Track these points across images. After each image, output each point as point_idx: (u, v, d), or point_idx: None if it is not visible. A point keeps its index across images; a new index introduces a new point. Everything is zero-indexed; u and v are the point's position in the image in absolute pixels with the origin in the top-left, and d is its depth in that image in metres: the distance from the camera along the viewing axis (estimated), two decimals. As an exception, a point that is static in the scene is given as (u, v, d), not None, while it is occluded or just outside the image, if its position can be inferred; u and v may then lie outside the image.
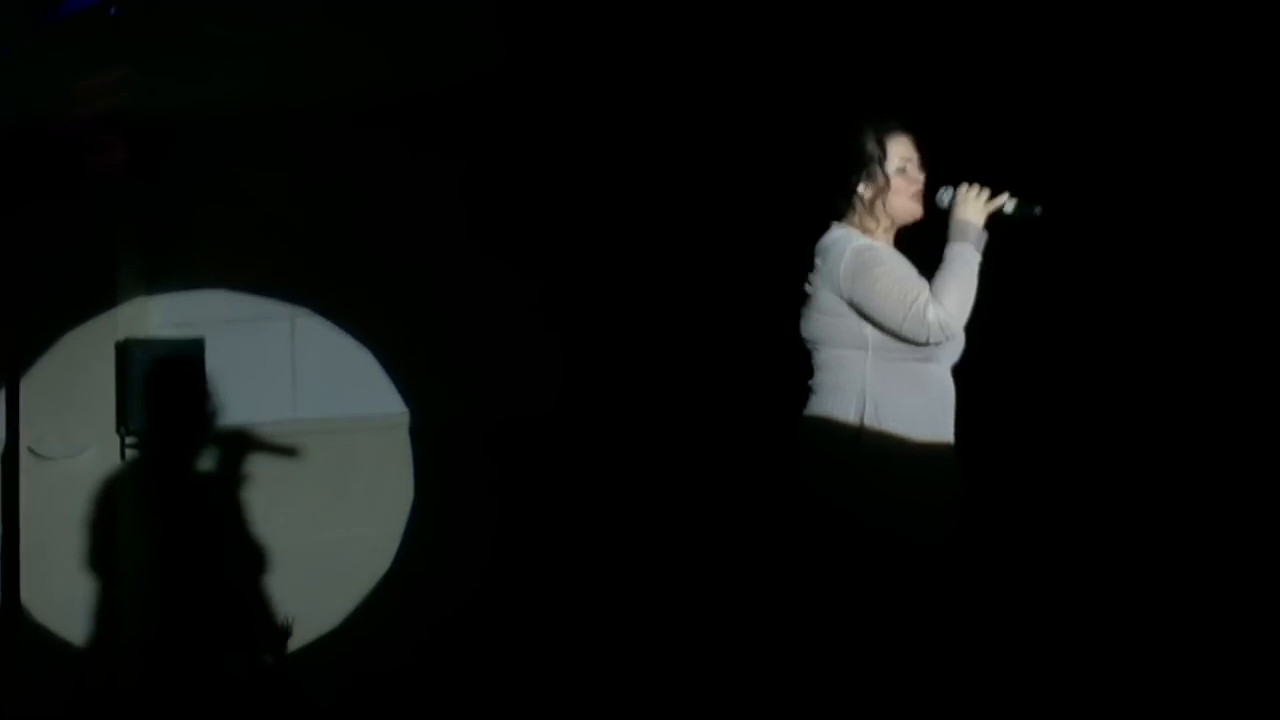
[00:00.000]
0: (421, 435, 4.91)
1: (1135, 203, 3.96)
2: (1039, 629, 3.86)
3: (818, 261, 2.82)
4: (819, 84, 4.11)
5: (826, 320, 2.80)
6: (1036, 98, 4.02)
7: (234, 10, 4.09)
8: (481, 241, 4.85)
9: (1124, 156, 3.98)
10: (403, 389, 4.97)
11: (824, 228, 2.88)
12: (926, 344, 2.74)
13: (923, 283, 2.76)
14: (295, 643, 4.72)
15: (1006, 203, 2.81)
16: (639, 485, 4.54)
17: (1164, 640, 3.75)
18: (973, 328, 2.82)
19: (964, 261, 2.76)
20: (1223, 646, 3.67)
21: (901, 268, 2.79)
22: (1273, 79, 3.74)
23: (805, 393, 2.83)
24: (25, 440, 5.08)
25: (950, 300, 2.73)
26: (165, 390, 4.92)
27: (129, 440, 4.99)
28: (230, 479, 5.07)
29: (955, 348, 2.85)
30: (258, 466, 5.01)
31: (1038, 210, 2.80)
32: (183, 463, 5.13)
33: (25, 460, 5.05)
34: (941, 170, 2.88)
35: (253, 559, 4.97)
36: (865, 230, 2.85)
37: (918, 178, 2.85)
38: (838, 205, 2.87)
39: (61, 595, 5.01)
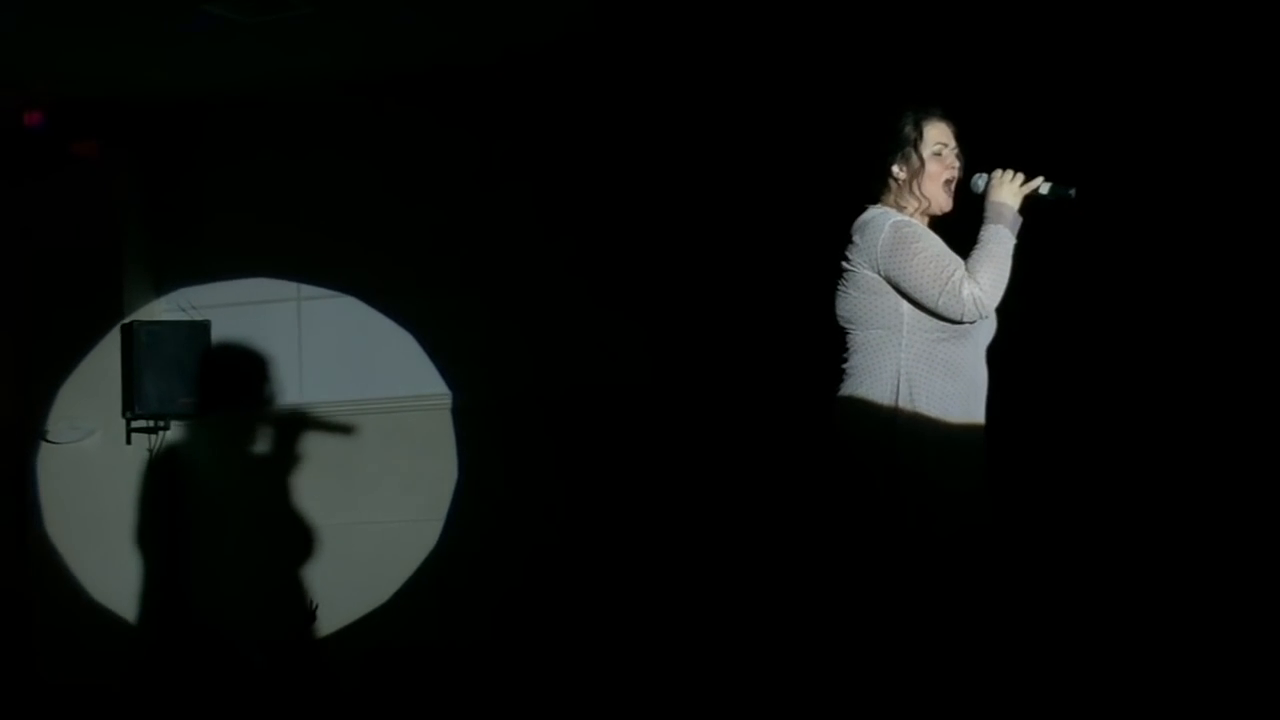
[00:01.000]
0: (461, 415, 4.86)
1: (1168, 187, 4.02)
2: (1061, 620, 3.93)
3: (855, 239, 2.89)
4: (863, 73, 4.19)
5: (863, 299, 2.87)
6: (1072, 85, 4.11)
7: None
8: (520, 222, 4.85)
9: (1157, 142, 4.04)
10: (442, 370, 4.94)
11: (860, 210, 2.96)
12: (960, 321, 2.81)
13: (959, 260, 2.85)
14: (319, 630, 4.79)
15: (1041, 185, 2.89)
16: (675, 469, 4.57)
17: (1186, 634, 3.85)
18: (1005, 312, 2.88)
19: (999, 242, 2.84)
20: (1234, 647, 3.77)
21: (938, 245, 2.87)
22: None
23: (838, 376, 2.90)
24: (35, 424, 5.13)
25: (985, 278, 2.80)
26: (172, 373, 5.02)
27: (135, 424, 5.07)
28: (240, 461, 5.16)
29: (988, 329, 2.92)
30: (268, 449, 5.06)
31: (1072, 192, 2.87)
32: (191, 446, 5.22)
33: (35, 444, 5.10)
34: (977, 160, 2.96)
35: (270, 544, 5.06)
36: (898, 210, 2.91)
37: (952, 165, 2.92)
38: (873, 187, 2.95)
39: (70, 581, 5.09)
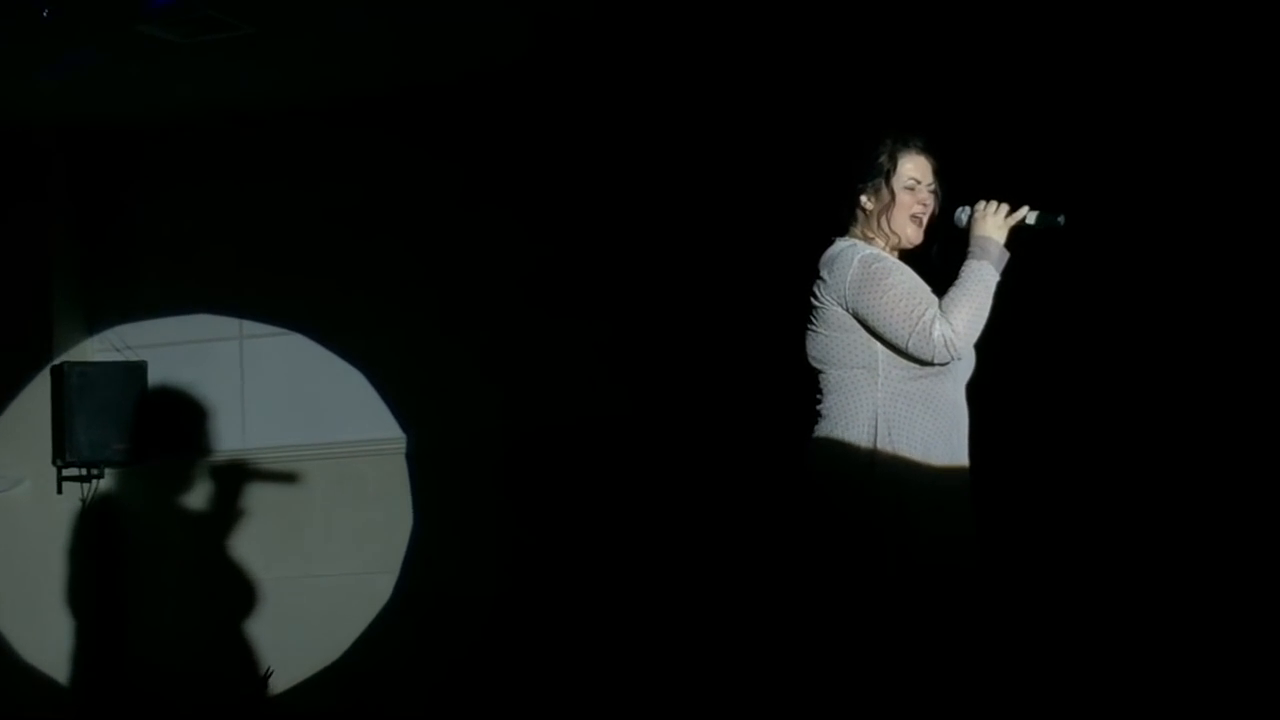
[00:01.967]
0: (417, 460, 4.89)
1: (1158, 210, 4.05)
2: (1055, 649, 3.97)
3: (823, 274, 2.87)
4: (841, 94, 4.20)
5: (834, 337, 2.85)
6: (1059, 108, 4.12)
7: (174, 11, 4.09)
8: (481, 251, 4.84)
9: (1143, 163, 4.08)
10: (396, 411, 4.95)
11: (828, 242, 2.93)
12: (931, 363, 2.79)
13: (932, 298, 2.82)
14: (267, 690, 4.74)
15: (1028, 215, 2.86)
16: (648, 513, 4.57)
17: (1187, 662, 3.87)
18: (990, 341, 2.86)
19: (978, 279, 2.81)
20: (1242, 661, 3.80)
21: (910, 281, 2.84)
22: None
23: (812, 417, 2.88)
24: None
25: (959, 318, 2.78)
26: (105, 417, 4.91)
27: (66, 472, 4.97)
28: (179, 512, 5.07)
29: (968, 364, 2.90)
30: (210, 499, 5.02)
31: (1061, 220, 2.84)
32: (126, 496, 5.11)
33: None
34: (962, 190, 2.94)
35: (210, 600, 4.95)
36: (868, 243, 2.88)
37: (925, 201, 2.90)
38: (842, 216, 2.94)
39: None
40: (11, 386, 5.06)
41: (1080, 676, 3.96)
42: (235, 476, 5.02)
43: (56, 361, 5.00)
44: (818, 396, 2.88)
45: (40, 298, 5.05)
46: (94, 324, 5.17)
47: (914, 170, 2.90)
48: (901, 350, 2.79)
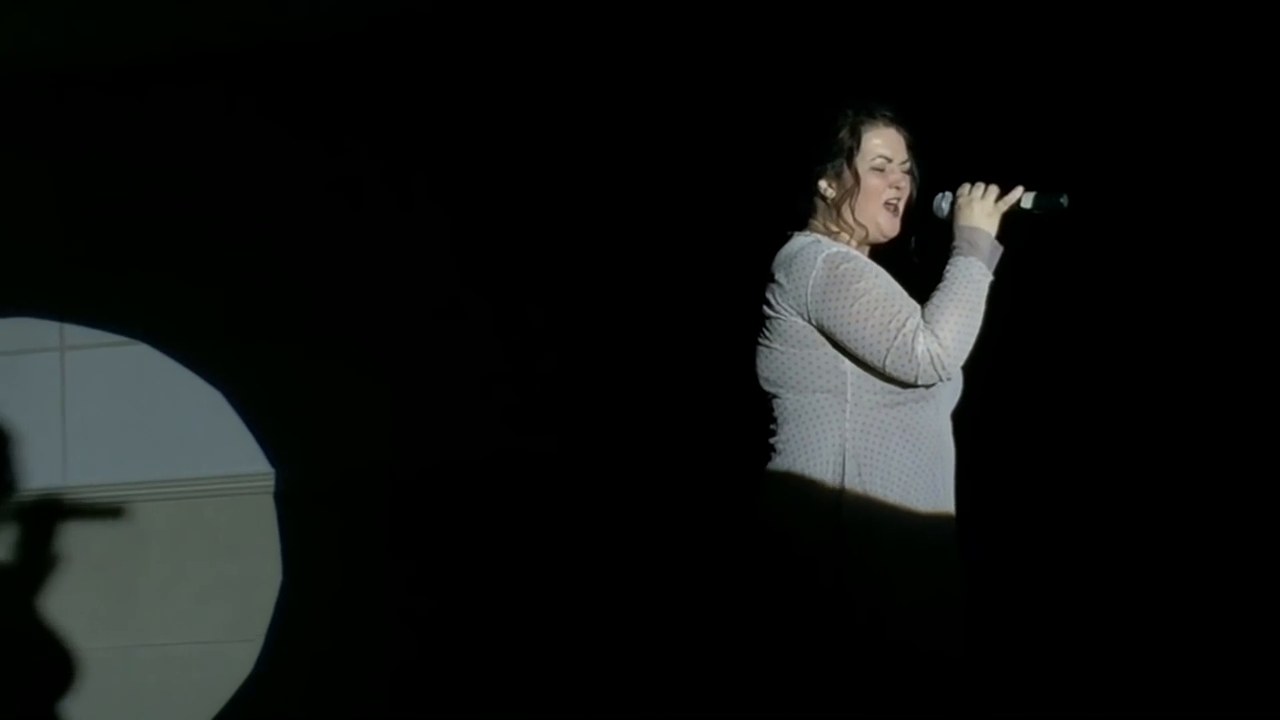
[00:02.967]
0: (288, 500, 4.86)
1: (1184, 187, 4.11)
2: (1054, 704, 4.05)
3: (778, 277, 2.80)
4: (794, 60, 4.21)
5: (793, 355, 2.79)
6: (1054, 67, 4.15)
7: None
8: (371, 247, 4.84)
9: (1164, 128, 4.13)
10: (263, 441, 4.91)
11: (783, 239, 2.87)
12: (914, 385, 2.74)
13: (913, 305, 2.76)
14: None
15: (1023, 198, 2.80)
16: (573, 565, 4.59)
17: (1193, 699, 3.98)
18: (980, 359, 2.81)
19: (967, 280, 2.76)
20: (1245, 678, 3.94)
21: (886, 284, 2.78)
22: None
23: (765, 451, 2.82)
24: None
25: (947, 330, 2.72)
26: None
27: None
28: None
29: (954, 388, 2.85)
30: (16, 548, 4.89)
31: (1064, 200, 2.79)
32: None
33: None
34: (944, 173, 2.87)
35: (15, 674, 4.83)
36: (832, 237, 2.84)
37: (898, 183, 2.84)
38: (799, 207, 2.87)
39: None
40: None
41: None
42: (50, 520, 4.90)
43: None
44: (771, 427, 2.82)
45: None
46: None
47: (882, 146, 2.84)
48: (877, 370, 2.73)
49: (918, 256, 2.87)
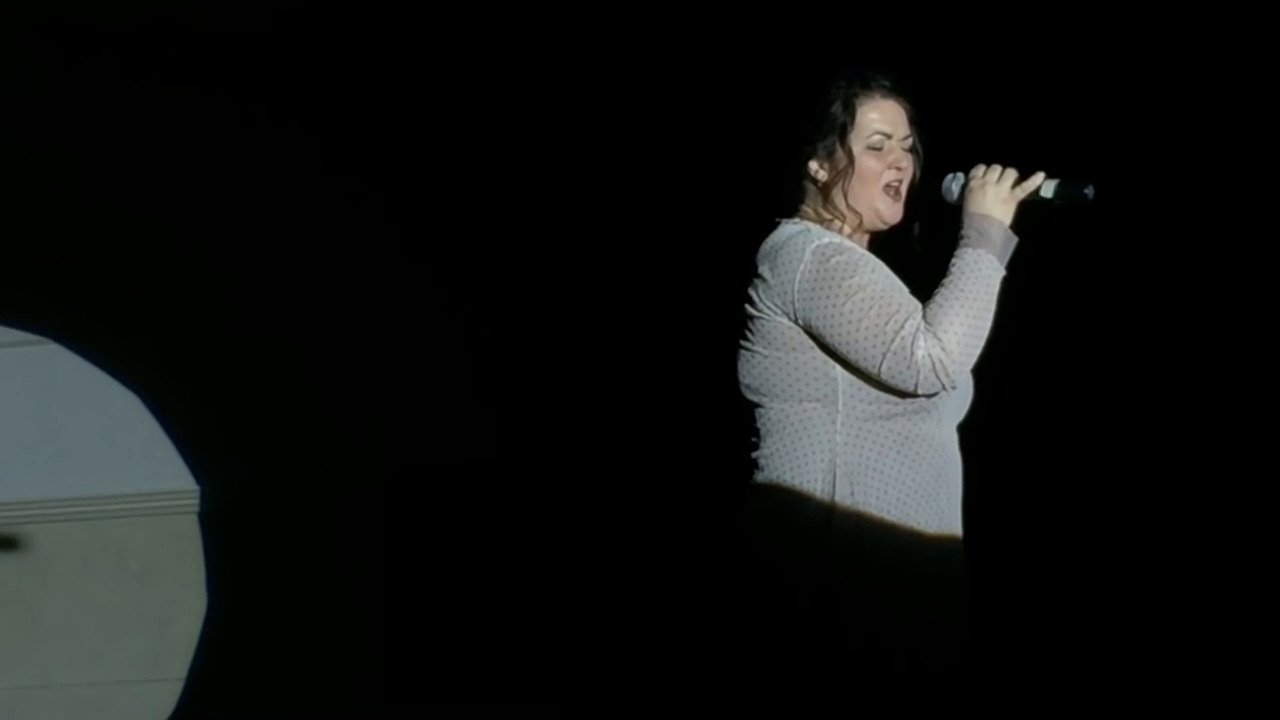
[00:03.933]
0: (215, 520, 4.86)
1: (1219, 176, 4.13)
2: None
3: (763, 271, 2.79)
4: (779, 22, 4.20)
5: (778, 359, 2.78)
6: (1079, 50, 4.16)
7: None
8: (308, 232, 4.89)
9: (1198, 112, 4.14)
10: (187, 454, 4.88)
11: (770, 227, 2.85)
12: (914, 394, 2.72)
13: (913, 304, 2.75)
14: None
15: (1043, 185, 2.79)
16: (530, 588, 4.66)
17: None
18: (991, 362, 2.80)
19: (976, 275, 2.74)
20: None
21: (883, 280, 2.77)
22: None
23: (748, 468, 2.81)
24: None
25: (952, 332, 2.70)
26: None
27: None
28: None
29: (960, 397, 2.84)
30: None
31: (1089, 191, 2.77)
32: None
33: None
34: (951, 155, 2.85)
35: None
36: (825, 226, 2.82)
37: (899, 163, 2.83)
38: (787, 191, 2.86)
39: None
40: None
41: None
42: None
43: None
44: (754, 439, 2.81)
45: None
46: None
47: (880, 121, 2.82)
48: (872, 377, 2.71)
49: (921, 246, 2.85)
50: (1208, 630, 4.19)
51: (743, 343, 2.81)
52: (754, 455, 2.80)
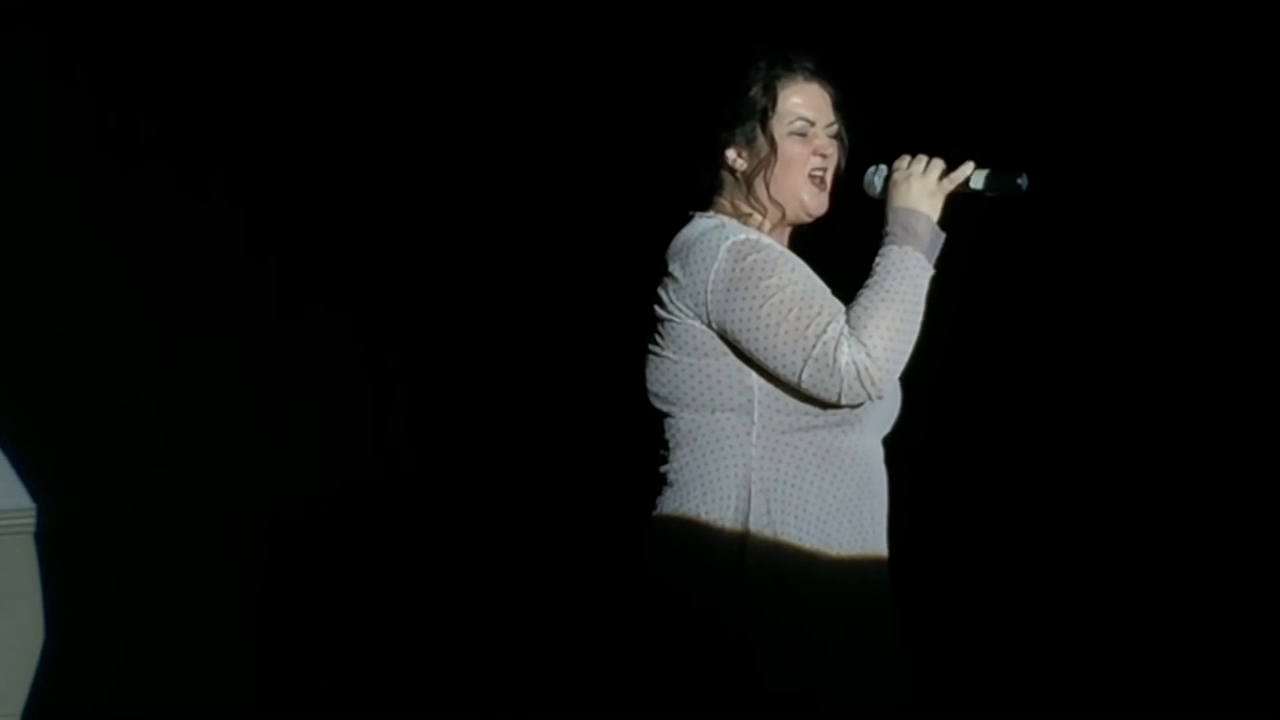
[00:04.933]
0: (54, 541, 4.83)
1: (1151, 169, 4.23)
2: None
3: (673, 269, 2.81)
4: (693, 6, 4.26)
5: (689, 365, 2.80)
6: (1014, 30, 4.23)
7: None
8: (178, 224, 4.89)
9: (1133, 108, 4.25)
10: (21, 470, 4.83)
11: (681, 220, 2.88)
12: (838, 405, 2.76)
13: (836, 307, 2.78)
14: None
15: (973, 176, 2.83)
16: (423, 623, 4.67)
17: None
18: (919, 369, 2.84)
19: (903, 274, 2.77)
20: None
21: (803, 280, 2.80)
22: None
23: (656, 482, 2.84)
24: None
25: (877, 336, 2.72)
26: None
27: None
28: None
29: (887, 408, 2.87)
30: None
31: (1022, 182, 2.81)
32: None
33: None
34: (876, 146, 2.88)
35: None
36: (742, 220, 2.86)
37: (824, 150, 2.86)
38: (701, 182, 2.89)
39: None
40: None
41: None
42: None
43: None
44: (663, 453, 2.84)
45: None
46: None
47: (804, 105, 2.85)
48: (792, 385, 2.74)
49: (843, 245, 2.88)
50: (1163, 635, 4.31)
51: (651, 347, 2.83)
52: (662, 470, 2.83)
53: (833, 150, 2.87)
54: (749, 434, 2.79)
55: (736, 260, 2.76)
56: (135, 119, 4.91)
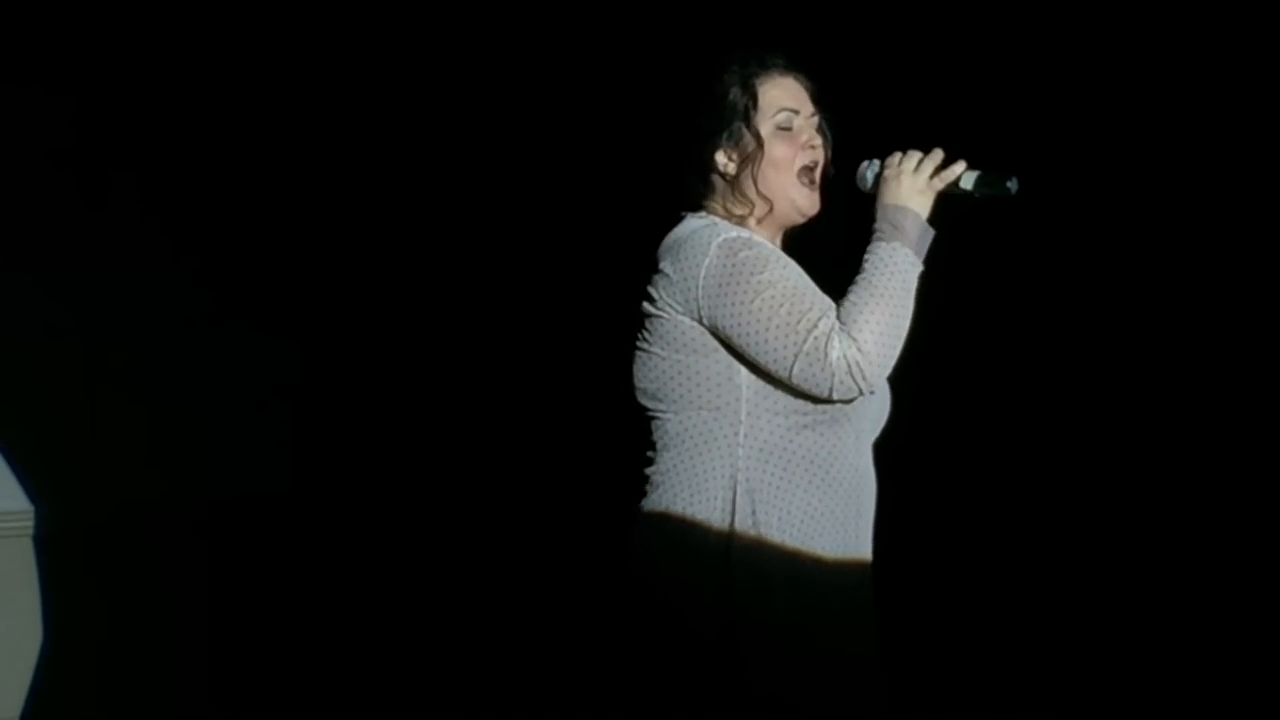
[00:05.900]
0: (48, 546, 4.81)
1: (1142, 173, 4.23)
2: None
3: (664, 267, 2.80)
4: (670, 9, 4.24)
5: (678, 363, 2.79)
6: (1008, 26, 4.22)
7: None
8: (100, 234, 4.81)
9: (1125, 111, 4.24)
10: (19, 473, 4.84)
11: (672, 221, 2.87)
12: (829, 401, 2.74)
13: (827, 303, 2.77)
14: None
15: (963, 176, 2.82)
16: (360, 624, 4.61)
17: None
18: (908, 371, 2.83)
19: (892, 270, 2.76)
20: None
21: (794, 277, 2.79)
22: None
23: (640, 483, 2.82)
24: None
25: (868, 331, 2.72)
26: None
27: None
28: None
29: (877, 409, 2.86)
30: None
31: (1012, 185, 2.80)
32: None
33: None
34: (864, 142, 2.87)
35: None
36: (734, 221, 2.85)
37: (813, 143, 2.85)
38: (690, 184, 2.88)
39: None
40: None
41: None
42: None
43: None
44: (649, 454, 2.82)
45: None
46: None
47: (784, 97, 2.84)
48: (783, 380, 2.73)
49: (842, 239, 2.87)
50: (1152, 637, 4.31)
51: (640, 344, 2.82)
52: (647, 471, 2.81)
53: (820, 142, 2.87)
54: (736, 435, 2.77)
55: (728, 256, 2.75)
56: (126, 120, 4.89)
